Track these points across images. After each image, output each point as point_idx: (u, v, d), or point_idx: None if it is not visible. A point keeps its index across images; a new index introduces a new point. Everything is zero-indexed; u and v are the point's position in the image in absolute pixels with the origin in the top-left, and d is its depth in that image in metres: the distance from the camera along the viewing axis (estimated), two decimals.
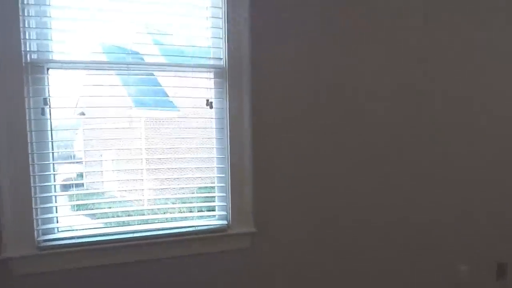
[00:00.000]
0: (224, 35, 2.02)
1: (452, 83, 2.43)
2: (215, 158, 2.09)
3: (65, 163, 2.00)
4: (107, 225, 2.00)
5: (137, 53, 1.97)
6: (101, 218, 2.02)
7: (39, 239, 1.83)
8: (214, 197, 2.12)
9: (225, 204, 2.10)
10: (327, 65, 2.19)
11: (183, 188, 2.12)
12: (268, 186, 2.14)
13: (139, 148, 2.04)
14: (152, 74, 2.06)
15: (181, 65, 2.01)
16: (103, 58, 1.94)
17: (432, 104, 2.41)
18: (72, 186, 1.97)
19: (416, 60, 2.35)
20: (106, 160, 2.08)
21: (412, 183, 2.41)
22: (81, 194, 2.02)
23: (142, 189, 2.05)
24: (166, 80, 2.07)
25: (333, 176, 2.26)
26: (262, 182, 2.12)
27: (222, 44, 2.03)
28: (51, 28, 1.84)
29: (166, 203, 2.11)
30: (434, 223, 2.47)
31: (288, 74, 2.13)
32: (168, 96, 2.09)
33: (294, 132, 2.17)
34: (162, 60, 2.02)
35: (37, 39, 1.81)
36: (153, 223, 2.03)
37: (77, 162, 2.06)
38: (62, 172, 1.99)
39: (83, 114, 2.02)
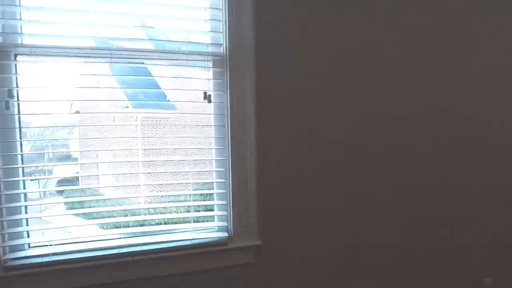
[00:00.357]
0: (224, 18, 1.82)
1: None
2: (214, 161, 1.90)
3: (34, 165, 1.75)
4: (89, 239, 1.76)
5: (123, 38, 1.73)
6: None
7: (5, 257, 1.61)
8: (213, 205, 1.92)
9: (226, 213, 1.90)
10: (342, 54, 2.00)
11: (176, 196, 1.92)
12: (275, 193, 1.95)
13: (124, 149, 1.84)
14: (142, 63, 1.84)
15: (174, 52, 1.79)
16: (83, 43, 1.69)
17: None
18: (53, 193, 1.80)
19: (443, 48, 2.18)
20: (98, 163, 1.91)
21: (433, 197, 2.26)
22: (61, 203, 1.82)
23: (138, 197, 1.86)
24: (157, 69, 1.86)
25: (349, 181, 2.07)
26: (268, 188, 1.93)
27: (222, 27, 1.83)
28: (20, 6, 1.61)
29: (153, 213, 1.91)
30: (457, 235, 2.35)
31: (298, 62, 1.92)
32: (160, 88, 1.85)
33: (305, 130, 1.97)
34: (152, 46, 1.80)
35: (2, 18, 1.58)
36: (142, 236, 1.81)
37: (62, 165, 1.85)
38: (35, 178, 1.76)
39: (78, 112, 1.83)
